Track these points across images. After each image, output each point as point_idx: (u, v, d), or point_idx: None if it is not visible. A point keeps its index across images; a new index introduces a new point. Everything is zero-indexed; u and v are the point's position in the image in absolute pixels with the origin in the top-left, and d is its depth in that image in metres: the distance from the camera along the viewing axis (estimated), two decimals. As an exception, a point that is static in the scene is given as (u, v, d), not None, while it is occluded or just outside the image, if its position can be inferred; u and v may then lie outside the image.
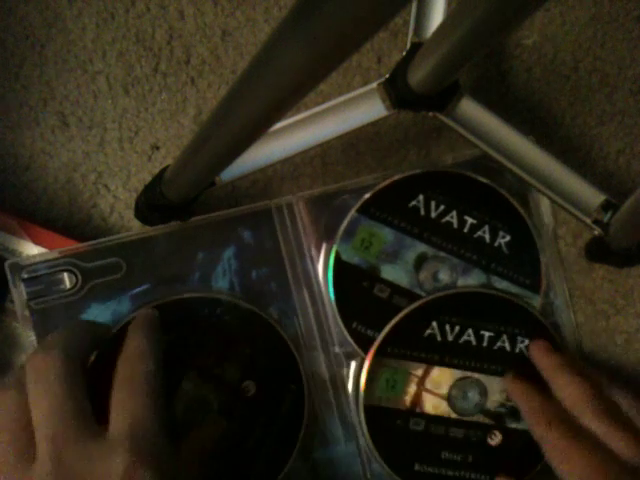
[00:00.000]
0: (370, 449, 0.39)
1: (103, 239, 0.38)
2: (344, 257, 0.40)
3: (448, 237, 0.41)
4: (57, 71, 0.43)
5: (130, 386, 0.31)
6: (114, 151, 0.43)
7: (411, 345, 0.40)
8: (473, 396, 0.40)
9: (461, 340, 0.40)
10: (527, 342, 0.40)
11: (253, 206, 0.40)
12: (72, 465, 0.28)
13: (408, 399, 0.40)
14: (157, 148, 0.43)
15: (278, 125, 0.38)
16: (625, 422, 0.35)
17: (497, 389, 0.40)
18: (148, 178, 0.42)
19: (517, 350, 0.40)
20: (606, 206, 0.39)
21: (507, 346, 0.40)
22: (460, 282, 0.41)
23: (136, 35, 0.43)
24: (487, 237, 0.41)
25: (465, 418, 0.40)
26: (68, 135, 0.43)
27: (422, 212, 0.41)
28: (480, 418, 0.40)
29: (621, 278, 0.44)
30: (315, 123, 0.38)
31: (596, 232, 0.39)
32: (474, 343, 0.40)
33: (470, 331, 0.40)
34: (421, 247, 0.41)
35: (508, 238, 0.41)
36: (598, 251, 0.42)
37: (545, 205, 0.42)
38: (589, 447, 0.34)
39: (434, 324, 0.40)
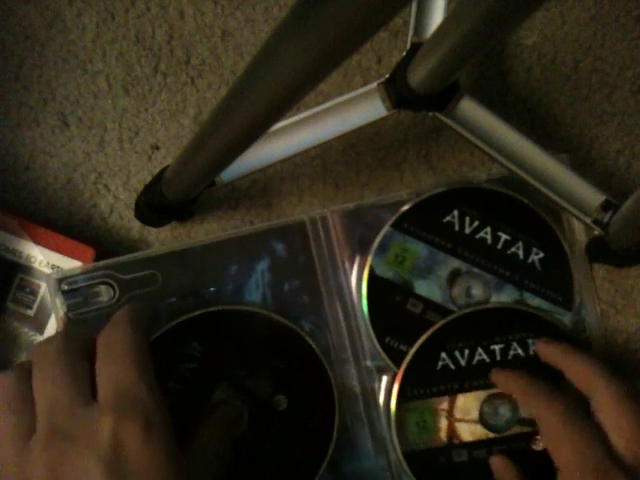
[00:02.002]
0: None
1: (140, 252, 0.39)
2: (377, 271, 0.40)
3: (482, 253, 0.41)
4: (57, 71, 0.43)
5: (110, 354, 0.32)
6: (114, 151, 0.43)
7: (428, 382, 0.39)
8: (504, 411, 0.40)
9: (474, 361, 0.40)
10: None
11: (287, 219, 0.40)
12: (63, 431, 0.29)
13: (443, 434, 0.39)
14: (157, 148, 0.43)
15: (278, 125, 0.38)
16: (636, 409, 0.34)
17: None
18: (148, 178, 0.42)
19: (531, 353, 0.40)
20: (606, 206, 0.39)
21: (520, 352, 0.40)
22: (493, 298, 0.41)
23: (136, 35, 0.43)
24: (520, 253, 0.41)
25: (504, 434, 0.40)
26: (68, 135, 0.43)
27: (456, 227, 0.41)
28: (518, 429, 0.40)
29: (621, 278, 0.44)
30: (315, 123, 0.38)
31: (596, 232, 0.39)
32: (487, 361, 0.40)
33: (480, 350, 0.40)
34: (454, 262, 0.41)
35: (541, 255, 0.41)
36: (598, 251, 0.42)
37: (578, 222, 0.42)
38: (583, 432, 0.34)
39: (443, 355, 0.40)
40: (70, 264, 0.39)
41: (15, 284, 0.39)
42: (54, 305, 0.38)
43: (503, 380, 0.39)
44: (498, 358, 0.40)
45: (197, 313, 0.38)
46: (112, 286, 0.38)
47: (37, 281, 0.39)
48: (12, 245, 0.39)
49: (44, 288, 0.39)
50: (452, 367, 0.40)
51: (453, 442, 0.39)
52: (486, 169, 0.43)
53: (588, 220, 0.39)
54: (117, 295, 0.38)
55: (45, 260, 0.39)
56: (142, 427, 0.29)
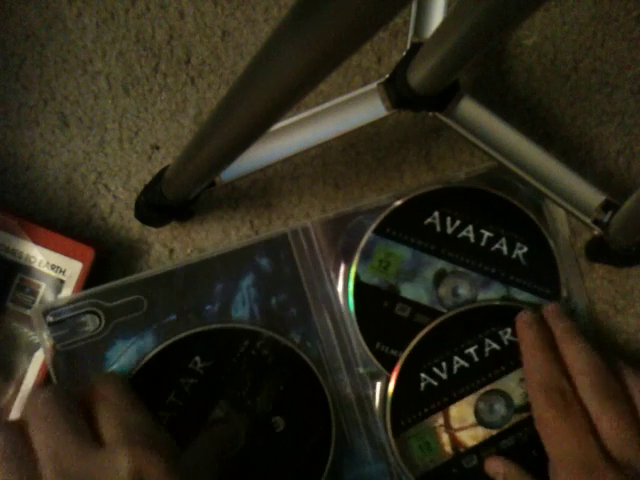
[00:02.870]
0: None
1: (123, 278, 0.39)
2: (363, 278, 0.40)
3: (466, 252, 0.41)
4: (57, 71, 0.43)
5: (107, 402, 0.33)
6: (114, 151, 0.43)
7: (417, 406, 0.39)
8: (499, 406, 0.40)
9: (455, 370, 0.40)
10: (509, 331, 0.40)
11: (269, 233, 0.40)
12: (78, 473, 0.29)
13: (448, 447, 0.40)
14: (157, 148, 0.43)
15: (278, 125, 0.38)
16: (623, 403, 0.35)
17: (514, 385, 0.40)
18: (148, 178, 0.42)
19: (506, 343, 0.40)
20: (606, 206, 0.39)
21: (496, 347, 0.40)
22: (480, 296, 0.41)
23: (136, 35, 0.43)
24: (504, 249, 0.41)
25: (506, 426, 0.40)
26: (68, 135, 0.43)
27: (438, 229, 0.41)
28: (518, 417, 0.40)
29: (621, 278, 0.44)
30: (315, 123, 0.38)
31: (596, 232, 0.39)
32: (467, 365, 0.40)
33: (456, 358, 0.40)
34: (439, 263, 0.41)
35: (525, 249, 0.41)
36: (598, 251, 0.42)
37: (560, 214, 0.42)
38: (576, 427, 0.35)
39: (423, 375, 0.40)
40: (70, 264, 0.39)
41: (15, 284, 0.39)
42: (41, 338, 0.37)
43: (524, 339, 0.39)
44: (476, 359, 0.40)
45: (182, 336, 0.38)
46: (97, 314, 0.38)
47: (37, 281, 0.39)
48: (12, 245, 0.39)
49: (44, 288, 0.39)
50: (435, 384, 0.40)
51: (460, 451, 0.40)
52: (466, 169, 0.43)
53: (588, 220, 0.39)
54: (103, 323, 0.38)
55: (45, 260, 0.39)
56: (162, 457, 0.30)
